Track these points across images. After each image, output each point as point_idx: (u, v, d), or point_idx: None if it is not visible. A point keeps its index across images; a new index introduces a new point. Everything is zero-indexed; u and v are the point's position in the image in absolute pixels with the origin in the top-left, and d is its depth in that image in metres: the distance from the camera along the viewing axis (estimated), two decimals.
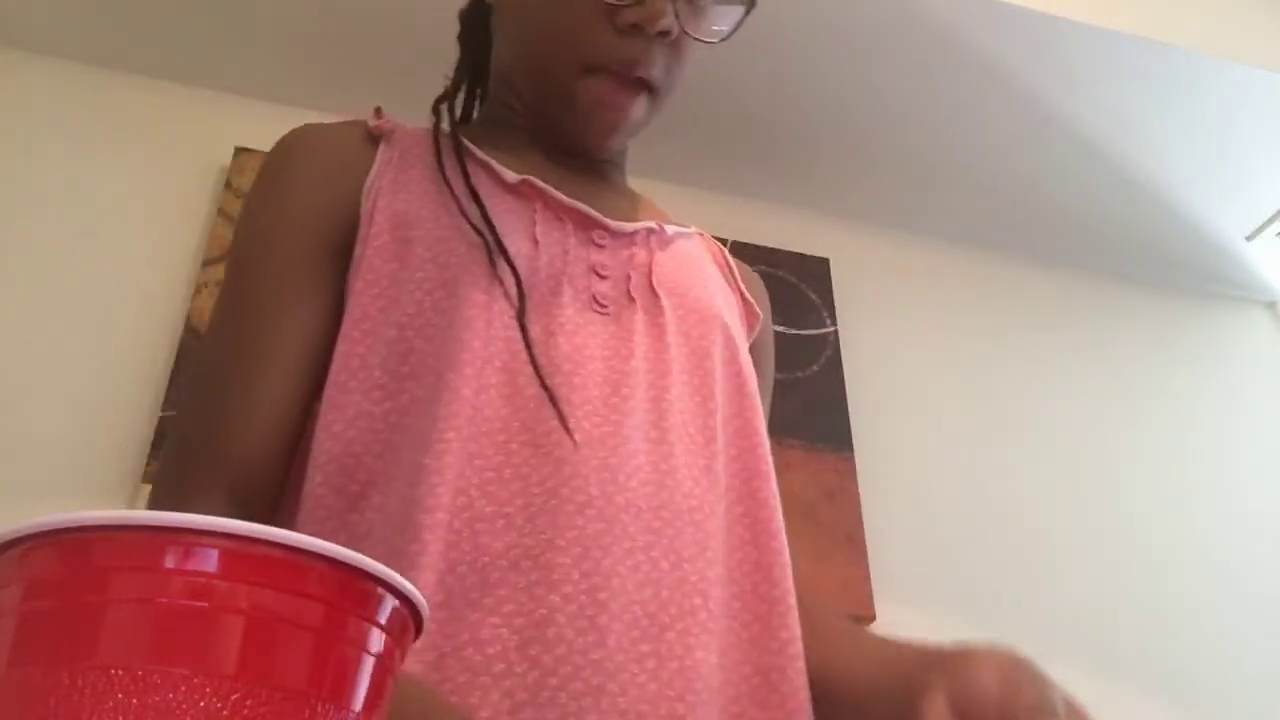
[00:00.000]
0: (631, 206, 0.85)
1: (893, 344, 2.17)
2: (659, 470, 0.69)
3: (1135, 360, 2.36)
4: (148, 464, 1.58)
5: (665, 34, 0.75)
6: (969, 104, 2.03)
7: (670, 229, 0.83)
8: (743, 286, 0.90)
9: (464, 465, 0.65)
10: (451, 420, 0.65)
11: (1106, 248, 2.40)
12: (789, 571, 0.73)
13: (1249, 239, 2.34)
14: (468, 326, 0.69)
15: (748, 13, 0.79)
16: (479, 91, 0.92)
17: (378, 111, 0.80)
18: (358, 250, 0.73)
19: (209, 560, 0.32)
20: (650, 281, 0.77)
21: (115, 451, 1.60)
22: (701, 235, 0.91)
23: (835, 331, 2.09)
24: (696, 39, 0.79)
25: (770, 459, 0.78)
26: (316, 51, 1.92)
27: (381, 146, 0.78)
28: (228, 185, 1.85)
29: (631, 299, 0.76)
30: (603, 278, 0.76)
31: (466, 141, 0.80)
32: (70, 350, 1.66)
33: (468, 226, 0.72)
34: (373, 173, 0.76)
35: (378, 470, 0.67)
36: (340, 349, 0.70)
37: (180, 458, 0.69)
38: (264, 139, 1.90)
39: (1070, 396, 2.25)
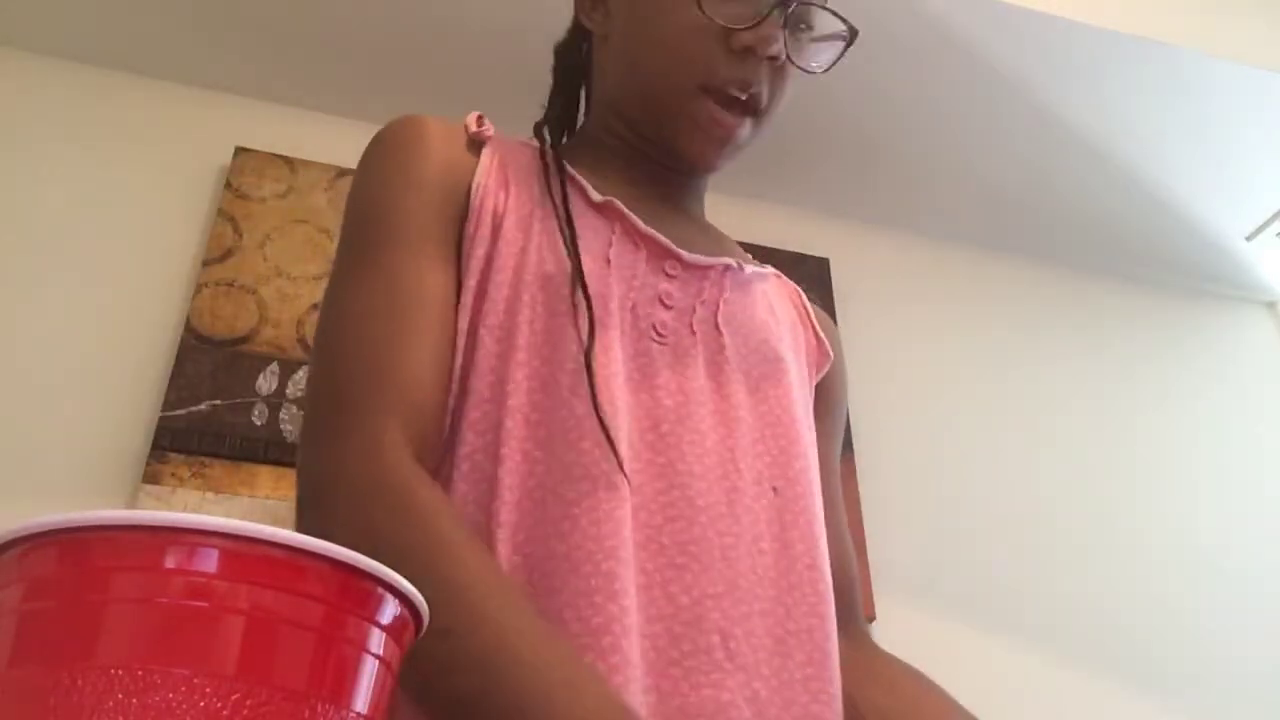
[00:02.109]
0: (712, 242, 0.88)
1: (893, 344, 2.17)
2: (693, 506, 0.70)
3: (1135, 360, 2.36)
4: (148, 464, 1.58)
5: (774, 59, 0.80)
6: (969, 104, 2.03)
7: (749, 269, 0.86)
8: (816, 325, 0.93)
9: (527, 472, 0.68)
10: (514, 430, 0.69)
11: (1106, 248, 2.40)
12: (835, 623, 0.75)
13: (1249, 239, 2.34)
14: (531, 342, 0.72)
15: (846, 48, 0.85)
16: (568, 120, 0.95)
17: (479, 119, 0.83)
18: (466, 245, 0.76)
19: (209, 560, 0.32)
20: (715, 317, 0.80)
21: (115, 451, 1.60)
22: (778, 276, 0.95)
23: None
24: (800, 68, 0.84)
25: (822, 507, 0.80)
26: (316, 51, 1.92)
27: (484, 150, 0.81)
28: (228, 185, 1.85)
29: (693, 332, 0.78)
30: (667, 308, 0.78)
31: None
32: (70, 350, 1.66)
33: (554, 246, 0.76)
34: (479, 172, 0.79)
35: (462, 461, 0.70)
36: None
37: (350, 404, 0.67)
38: (264, 139, 1.92)
39: (1070, 396, 2.25)
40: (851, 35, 0.84)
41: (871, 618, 1.79)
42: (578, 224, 0.77)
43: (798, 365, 0.85)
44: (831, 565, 0.78)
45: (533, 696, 0.54)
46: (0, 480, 1.53)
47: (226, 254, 1.79)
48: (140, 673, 0.30)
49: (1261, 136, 2.09)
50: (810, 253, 2.15)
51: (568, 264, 0.74)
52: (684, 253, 0.81)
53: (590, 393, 0.69)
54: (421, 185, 0.76)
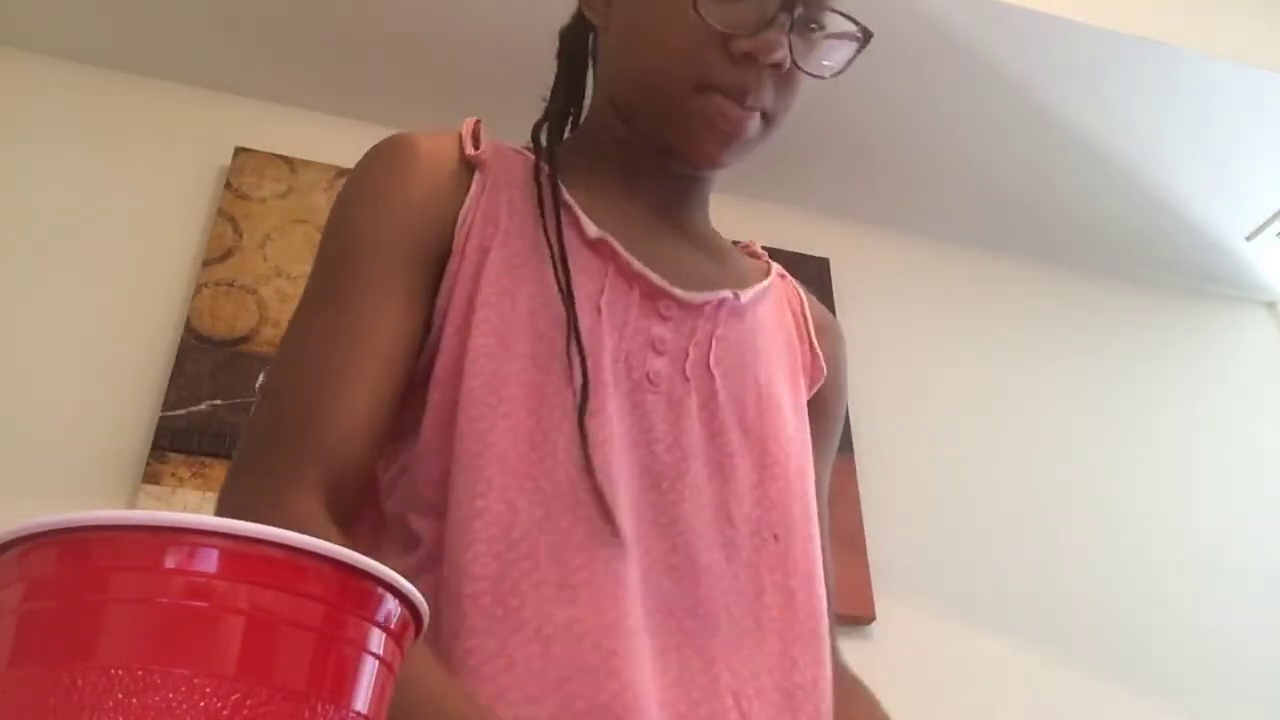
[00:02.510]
0: (711, 259, 0.85)
1: (893, 344, 2.17)
2: (696, 566, 0.69)
3: (1135, 360, 2.36)
4: (148, 464, 1.58)
5: (777, 66, 0.75)
6: (969, 104, 2.03)
7: (746, 295, 0.82)
8: (814, 338, 0.89)
9: (510, 523, 0.66)
10: (494, 481, 0.67)
11: (1106, 248, 2.40)
12: (830, 666, 0.75)
13: (1249, 239, 2.34)
14: (519, 395, 0.70)
15: (860, 49, 0.79)
16: (572, 110, 0.91)
17: (475, 135, 0.80)
18: (448, 283, 0.73)
19: (209, 560, 0.32)
20: (708, 358, 0.77)
21: (115, 451, 1.60)
22: (782, 276, 0.91)
23: None
24: (808, 73, 0.78)
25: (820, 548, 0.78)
26: (316, 51, 1.92)
27: (476, 175, 0.78)
28: (228, 185, 1.85)
29: (686, 378, 0.75)
30: (660, 354, 0.75)
31: (561, 185, 0.79)
32: (70, 350, 1.66)
33: (545, 297, 0.73)
34: (467, 204, 0.76)
35: (440, 519, 0.68)
36: (433, 395, 0.71)
37: (271, 446, 0.67)
38: (264, 139, 1.92)
39: (1070, 397, 2.25)
40: (866, 36, 0.78)
41: (871, 618, 1.79)
42: (571, 264, 0.74)
43: (793, 397, 0.82)
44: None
45: None
46: (0, 480, 1.53)
47: (226, 254, 1.79)
48: (140, 673, 0.30)
49: (1261, 136, 2.09)
50: (810, 253, 2.15)
51: (562, 317, 0.72)
52: (679, 292, 0.77)
53: (585, 460, 0.67)
54: (402, 218, 0.74)
